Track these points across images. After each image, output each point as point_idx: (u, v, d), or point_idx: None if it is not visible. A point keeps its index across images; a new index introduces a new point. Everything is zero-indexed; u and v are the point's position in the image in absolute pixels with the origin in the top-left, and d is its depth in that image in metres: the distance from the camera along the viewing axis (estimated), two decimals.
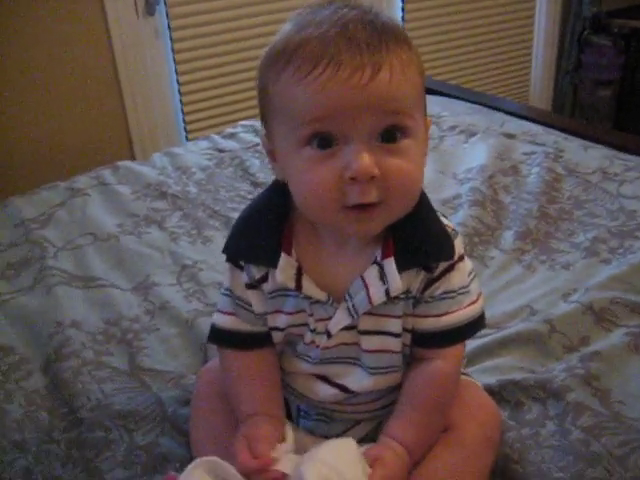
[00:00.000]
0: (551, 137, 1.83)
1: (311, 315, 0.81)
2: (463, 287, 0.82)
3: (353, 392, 0.85)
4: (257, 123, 2.07)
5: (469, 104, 2.15)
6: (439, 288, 0.80)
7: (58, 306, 1.25)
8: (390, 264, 0.77)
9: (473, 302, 0.83)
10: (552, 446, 0.90)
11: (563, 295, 1.21)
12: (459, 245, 0.82)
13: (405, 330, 0.82)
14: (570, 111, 3.58)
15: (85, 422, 0.99)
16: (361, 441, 0.85)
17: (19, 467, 0.93)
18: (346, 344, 0.83)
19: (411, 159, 0.71)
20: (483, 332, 1.08)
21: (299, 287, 0.79)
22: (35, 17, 2.20)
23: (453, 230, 0.83)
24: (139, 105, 2.51)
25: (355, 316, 0.80)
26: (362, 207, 0.70)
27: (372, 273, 0.78)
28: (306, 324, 0.82)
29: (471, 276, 0.84)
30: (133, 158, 2.42)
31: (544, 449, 0.90)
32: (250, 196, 1.65)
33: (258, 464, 0.75)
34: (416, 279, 0.79)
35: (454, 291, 0.81)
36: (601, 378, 1.01)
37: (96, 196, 1.66)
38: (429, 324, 0.82)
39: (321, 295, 0.79)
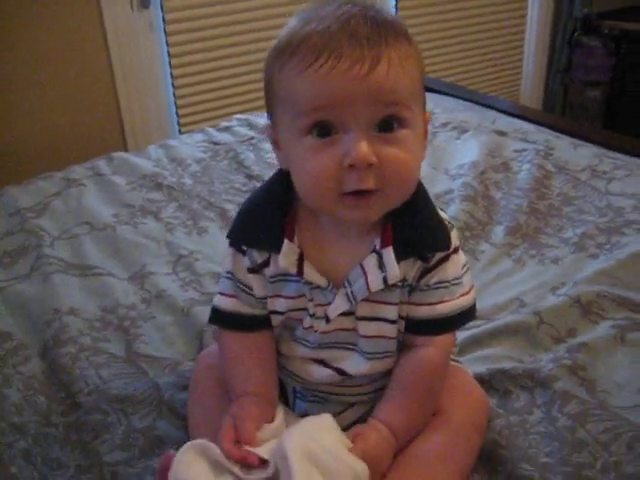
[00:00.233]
0: (542, 135, 1.86)
1: (311, 300, 0.84)
2: (456, 278, 0.85)
3: (349, 375, 0.88)
4: (252, 117, 2.10)
5: (461, 101, 2.18)
6: (434, 277, 0.83)
7: (55, 294, 1.27)
8: (389, 253, 0.80)
9: (465, 293, 0.86)
10: (539, 432, 0.93)
11: (552, 288, 1.24)
12: (454, 237, 0.85)
13: (400, 317, 0.85)
14: (560, 111, 3.62)
15: (83, 406, 1.01)
16: (354, 424, 0.87)
17: (18, 449, 0.95)
18: (344, 329, 0.85)
19: (408, 149, 0.74)
20: (474, 323, 1.11)
21: (300, 272, 0.81)
22: (29, 9, 2.21)
23: (449, 223, 0.85)
24: (132, 97, 2.52)
25: (353, 302, 0.82)
26: (360, 194, 0.73)
27: (371, 261, 0.81)
28: (305, 309, 0.85)
29: (464, 269, 0.87)
30: (126, 150, 2.43)
31: (531, 435, 0.92)
32: (245, 188, 1.67)
33: (235, 451, 0.76)
34: (412, 268, 0.82)
35: (448, 281, 0.84)
36: (587, 368, 1.03)
37: (92, 186, 1.67)
38: (423, 312, 0.84)
39: (321, 281, 0.82)
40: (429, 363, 0.86)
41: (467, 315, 0.87)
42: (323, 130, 0.72)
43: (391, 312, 0.84)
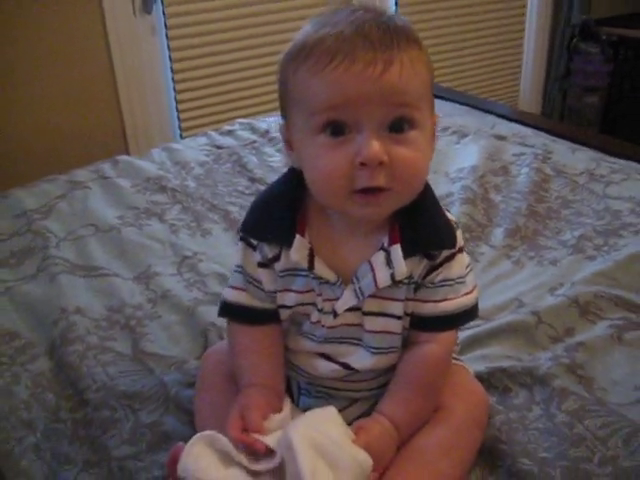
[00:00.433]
0: (540, 139, 1.89)
1: (319, 295, 0.86)
2: (460, 277, 0.87)
3: (354, 369, 0.90)
4: (254, 121, 2.12)
5: (461, 106, 2.20)
6: (439, 275, 0.85)
7: (61, 294, 1.29)
8: (396, 250, 0.82)
9: (468, 292, 0.88)
10: (538, 428, 0.95)
11: (550, 289, 1.26)
12: (460, 237, 0.87)
13: (406, 314, 0.87)
14: (559, 116, 3.64)
15: (91, 403, 1.03)
16: (357, 419, 0.89)
17: (28, 443, 0.97)
18: (350, 325, 0.88)
19: (417, 149, 0.77)
20: (474, 323, 1.13)
21: (311, 267, 0.84)
22: (33, 13, 2.23)
23: (455, 223, 0.88)
24: (134, 101, 2.54)
25: (361, 297, 0.85)
26: (370, 191, 0.76)
27: (379, 258, 0.83)
28: (313, 303, 0.87)
29: (468, 268, 0.89)
30: (127, 153, 2.45)
31: (530, 431, 0.95)
32: (248, 191, 1.69)
33: (243, 438, 0.79)
34: (419, 266, 0.84)
35: (452, 279, 0.86)
36: (585, 367, 1.06)
37: (97, 189, 1.69)
38: (428, 309, 0.87)
39: (331, 276, 0.84)
40: (432, 359, 0.88)
41: (470, 313, 0.90)
42: (336, 129, 0.75)
43: (397, 308, 0.86)
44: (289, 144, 0.84)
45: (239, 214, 1.58)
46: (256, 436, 0.79)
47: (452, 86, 3.10)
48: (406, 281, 0.85)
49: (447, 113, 2.09)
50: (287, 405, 0.88)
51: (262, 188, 1.65)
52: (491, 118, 2.09)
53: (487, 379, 1.04)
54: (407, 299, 0.86)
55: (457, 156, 1.80)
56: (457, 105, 2.20)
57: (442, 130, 1.96)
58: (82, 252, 1.44)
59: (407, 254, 0.82)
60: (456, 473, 0.86)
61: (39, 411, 1.03)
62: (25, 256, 1.43)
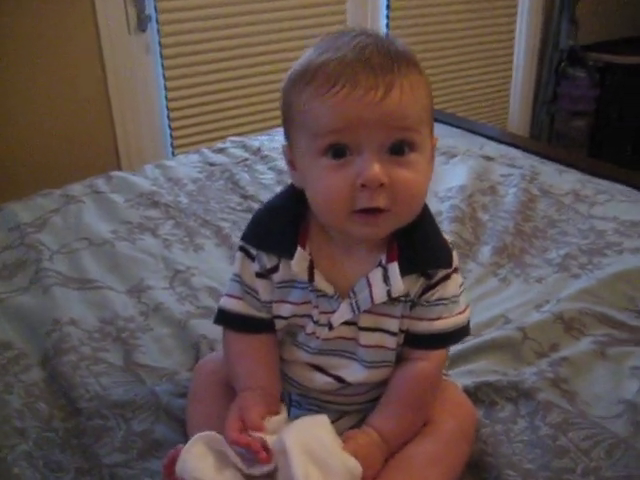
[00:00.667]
0: (528, 161, 1.93)
1: (316, 307, 0.88)
2: (455, 296, 0.90)
3: (347, 383, 0.91)
4: (246, 139, 2.15)
5: (450, 128, 2.24)
6: (435, 294, 0.88)
7: (55, 305, 1.30)
8: (394, 267, 0.84)
9: (461, 312, 0.91)
10: (523, 441, 0.97)
11: (536, 306, 1.28)
12: (456, 258, 0.90)
13: (401, 331, 0.89)
14: (547, 139, 3.69)
15: (83, 412, 1.04)
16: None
17: (21, 451, 0.97)
18: (345, 338, 0.89)
19: (417, 171, 0.79)
20: None
21: (311, 279, 0.86)
22: (28, 30, 2.26)
23: (451, 244, 0.90)
24: (127, 118, 2.56)
25: (357, 312, 0.87)
26: (370, 212, 0.78)
27: (376, 275, 0.85)
28: (309, 315, 0.89)
29: (461, 288, 0.92)
30: (120, 170, 2.47)
31: (515, 443, 0.96)
32: (240, 208, 1.72)
33: (241, 438, 0.80)
34: (416, 284, 0.87)
35: (447, 299, 0.89)
36: (569, 381, 1.08)
37: (90, 203, 1.71)
38: (423, 327, 0.89)
39: (329, 289, 0.86)
40: (424, 376, 0.90)
41: (462, 332, 0.92)
42: (338, 152, 0.77)
43: (393, 324, 0.88)
44: (292, 164, 0.86)
45: (231, 230, 1.60)
46: (257, 434, 0.80)
47: (442, 108, 3.15)
48: (403, 299, 0.87)
49: (437, 134, 2.12)
50: (284, 409, 0.89)
51: (254, 205, 1.69)
52: (480, 139, 2.13)
53: (474, 393, 1.06)
54: (403, 316, 0.88)
55: (446, 176, 1.83)
56: (446, 126, 2.23)
57: None
58: (75, 265, 1.45)
59: (404, 272, 0.84)
60: None
61: (32, 420, 1.04)
62: (18, 268, 1.44)
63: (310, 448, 0.77)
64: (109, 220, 1.64)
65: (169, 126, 2.67)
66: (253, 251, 0.90)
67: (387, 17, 3.05)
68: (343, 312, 0.87)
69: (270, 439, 0.79)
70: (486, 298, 1.35)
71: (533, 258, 1.47)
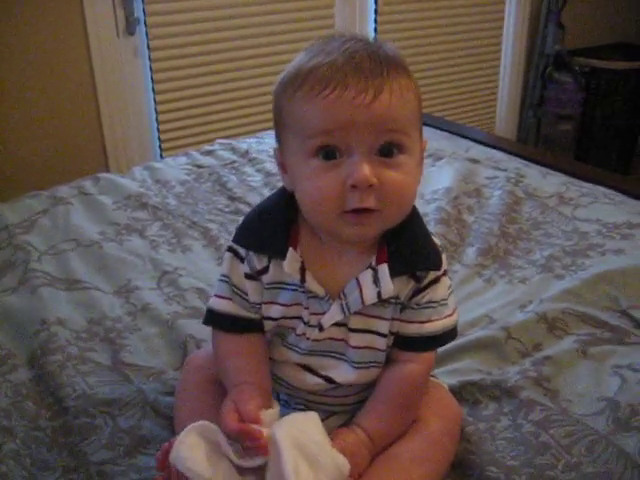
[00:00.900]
0: (513, 163, 1.95)
1: (307, 308, 0.89)
2: (444, 299, 0.91)
3: (336, 383, 0.92)
4: (234, 142, 2.16)
5: (437, 131, 2.25)
6: (424, 297, 0.89)
7: (42, 306, 1.30)
8: (384, 269, 0.86)
9: (450, 314, 0.92)
10: (506, 438, 0.98)
11: (520, 306, 1.30)
12: (445, 260, 0.91)
13: (391, 333, 0.90)
14: (534, 143, 3.73)
15: (70, 410, 1.04)
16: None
17: (8, 450, 0.98)
18: (334, 339, 0.90)
19: (406, 172, 0.81)
20: None
21: (303, 280, 0.87)
22: (16, 33, 2.27)
23: (440, 247, 0.92)
24: (115, 121, 2.57)
25: (347, 313, 0.88)
26: (360, 212, 0.79)
27: (366, 276, 0.86)
28: (299, 317, 0.90)
29: (449, 291, 0.93)
30: (108, 172, 2.47)
31: (498, 441, 0.98)
32: (227, 209, 1.73)
33: (242, 426, 0.80)
34: (406, 287, 0.88)
35: (436, 302, 0.90)
36: (551, 380, 1.09)
37: (78, 205, 1.71)
38: (413, 329, 0.90)
39: (320, 291, 0.87)
40: (412, 379, 0.92)
41: (450, 334, 0.93)
42: (328, 153, 0.79)
43: (383, 326, 0.89)
44: (283, 167, 0.87)
45: (218, 231, 1.61)
46: (254, 427, 0.80)
47: (430, 112, 3.17)
48: (393, 301, 0.88)
49: (424, 137, 2.13)
50: (276, 404, 0.90)
51: (242, 207, 1.70)
52: (466, 142, 2.15)
53: (459, 392, 1.07)
54: (393, 319, 0.89)
55: (432, 178, 1.85)
56: (433, 129, 2.25)
57: None
58: (63, 266, 1.45)
59: (394, 273, 0.86)
60: None
61: (19, 419, 1.04)
62: (6, 269, 1.44)
63: (300, 443, 0.78)
64: (97, 221, 1.65)
65: (157, 129, 2.68)
66: (243, 252, 0.90)
67: (375, 21, 3.07)
68: (333, 313, 0.88)
69: (265, 432, 0.80)
70: (471, 298, 1.36)
71: (517, 259, 1.49)
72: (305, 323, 0.90)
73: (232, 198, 1.79)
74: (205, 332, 0.98)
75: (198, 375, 0.99)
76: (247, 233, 0.91)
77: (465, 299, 1.36)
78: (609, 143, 3.60)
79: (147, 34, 2.53)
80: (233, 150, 2.09)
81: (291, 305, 0.90)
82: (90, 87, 2.48)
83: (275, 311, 0.91)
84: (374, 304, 0.87)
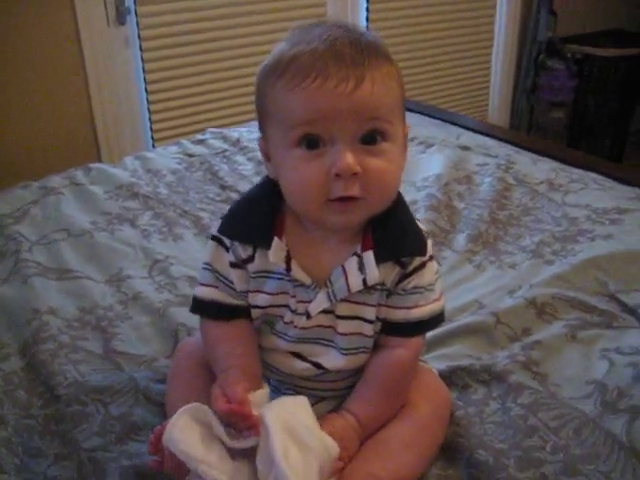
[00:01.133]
0: (503, 150, 1.95)
1: (293, 297, 0.89)
2: (430, 284, 0.91)
3: (325, 369, 0.93)
4: (225, 130, 2.16)
5: (427, 118, 2.26)
6: (410, 283, 0.89)
7: (34, 295, 1.30)
8: (369, 256, 0.86)
9: (437, 299, 0.93)
10: (495, 422, 0.99)
11: (509, 291, 1.31)
12: (430, 246, 0.91)
13: (378, 319, 0.91)
14: (526, 130, 3.73)
15: (62, 398, 1.05)
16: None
17: (0, 438, 0.99)
18: (322, 326, 0.91)
19: (389, 160, 0.81)
20: None
21: (289, 269, 0.87)
22: (6, 23, 2.25)
23: (426, 233, 0.92)
24: (107, 110, 2.56)
25: (334, 300, 0.88)
26: (345, 200, 0.80)
27: (352, 263, 0.87)
28: (286, 305, 0.90)
29: (436, 276, 0.93)
30: (99, 162, 2.47)
31: (487, 424, 0.99)
32: (218, 198, 1.73)
33: (232, 406, 0.80)
34: (391, 273, 0.88)
35: (423, 287, 0.90)
36: (540, 364, 1.10)
37: (69, 195, 1.72)
38: (400, 315, 0.90)
39: (306, 279, 0.87)
40: (400, 364, 0.92)
41: (437, 319, 0.94)
42: (311, 142, 0.79)
43: (370, 313, 0.90)
44: (267, 156, 0.87)
45: (210, 220, 1.61)
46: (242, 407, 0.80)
47: (423, 100, 3.17)
48: (379, 287, 0.88)
49: (414, 124, 2.14)
50: (266, 385, 0.90)
51: (233, 195, 1.71)
52: (456, 129, 2.15)
53: (448, 377, 1.08)
54: (380, 305, 0.90)
55: (423, 165, 1.86)
56: (424, 117, 2.25)
57: (409, 140, 1.97)
58: (55, 256, 1.46)
59: (379, 260, 0.86)
60: (418, 465, 0.89)
61: (11, 407, 1.05)
62: None
63: (290, 426, 0.78)
64: (88, 211, 1.65)
65: (149, 118, 2.67)
66: (227, 242, 0.90)
67: (367, 10, 3.06)
68: (320, 301, 0.88)
69: (255, 412, 0.80)
70: (461, 284, 1.37)
71: (507, 245, 1.49)
72: (292, 311, 0.90)
73: (223, 187, 1.79)
74: (196, 320, 0.98)
75: (190, 360, 0.99)
76: (232, 223, 0.91)
77: (455, 285, 1.37)
78: (602, 130, 3.60)
79: (138, 24, 2.51)
80: (224, 139, 2.09)
81: (277, 294, 0.90)
82: (81, 77, 2.47)
83: (262, 299, 0.91)
84: (360, 291, 0.87)
